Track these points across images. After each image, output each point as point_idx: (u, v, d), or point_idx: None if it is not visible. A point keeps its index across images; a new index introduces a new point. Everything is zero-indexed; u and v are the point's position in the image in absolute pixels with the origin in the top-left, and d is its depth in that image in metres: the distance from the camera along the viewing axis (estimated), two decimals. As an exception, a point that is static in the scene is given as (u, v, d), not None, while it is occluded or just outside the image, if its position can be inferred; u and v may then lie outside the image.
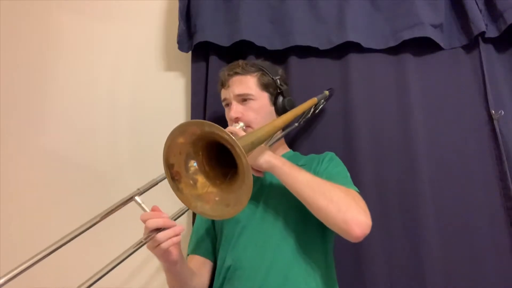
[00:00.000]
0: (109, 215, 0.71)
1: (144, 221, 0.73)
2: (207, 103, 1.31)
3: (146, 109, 1.44)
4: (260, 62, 1.10)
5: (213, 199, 0.72)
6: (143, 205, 0.74)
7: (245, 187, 0.66)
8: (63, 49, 1.49)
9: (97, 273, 0.61)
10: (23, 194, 1.36)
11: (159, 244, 0.73)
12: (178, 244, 0.78)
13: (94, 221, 0.68)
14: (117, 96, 1.45)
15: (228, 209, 0.70)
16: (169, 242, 0.73)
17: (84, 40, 1.50)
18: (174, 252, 0.77)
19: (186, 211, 0.74)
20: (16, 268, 0.55)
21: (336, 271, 0.99)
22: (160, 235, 0.72)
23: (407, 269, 1.18)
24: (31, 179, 1.37)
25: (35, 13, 1.51)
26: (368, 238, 1.12)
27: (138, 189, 0.76)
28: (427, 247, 1.17)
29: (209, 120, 1.27)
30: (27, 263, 0.56)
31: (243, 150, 0.63)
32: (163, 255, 0.76)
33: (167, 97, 1.45)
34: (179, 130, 0.68)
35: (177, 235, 0.74)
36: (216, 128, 0.65)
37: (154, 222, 0.72)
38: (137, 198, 0.75)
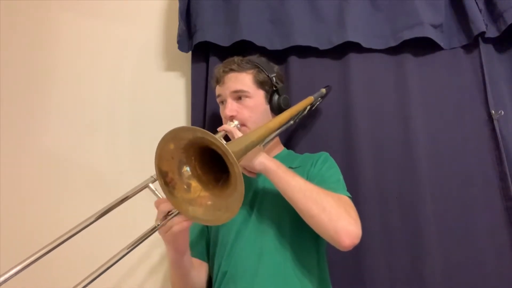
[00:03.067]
0: (123, 202, 0.72)
1: (158, 206, 0.74)
2: (207, 103, 1.31)
3: (146, 109, 1.44)
4: (255, 58, 1.08)
5: (205, 203, 0.72)
6: (157, 192, 0.75)
7: (237, 195, 0.65)
8: (63, 48, 1.49)
9: (112, 257, 0.64)
10: (23, 194, 1.36)
11: (170, 228, 0.74)
12: (186, 235, 0.81)
13: (107, 208, 0.70)
14: (117, 96, 1.45)
15: (220, 213, 0.69)
16: (181, 225, 0.74)
17: (84, 40, 1.50)
18: (184, 240, 0.81)
19: (175, 215, 0.74)
20: (24, 261, 0.56)
21: (337, 272, 0.99)
22: (176, 218, 0.73)
23: (407, 270, 1.17)
24: (31, 179, 1.37)
25: (35, 13, 1.51)
26: (368, 238, 1.13)
27: (152, 176, 0.76)
28: (427, 247, 1.17)
29: (209, 120, 1.29)
30: (39, 253, 0.58)
31: (235, 158, 0.62)
32: (174, 241, 0.79)
33: (167, 97, 1.45)
34: (170, 136, 0.67)
35: (187, 220, 0.75)
36: (208, 135, 0.64)
37: (168, 205, 0.73)
38: (151, 185, 0.76)
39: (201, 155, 0.73)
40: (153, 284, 1.31)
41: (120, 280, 1.28)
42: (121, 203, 0.72)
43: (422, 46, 1.32)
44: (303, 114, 1.18)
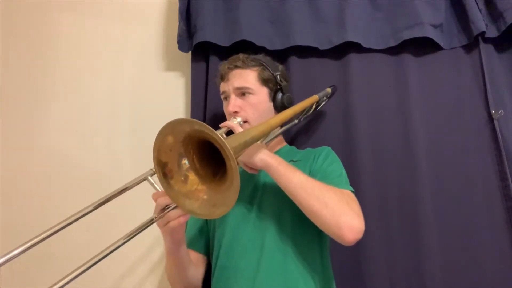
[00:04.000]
0: (122, 193, 0.73)
1: (156, 199, 0.75)
2: (207, 103, 1.31)
3: (146, 109, 1.44)
4: (261, 57, 1.08)
5: (201, 197, 0.71)
6: (155, 184, 0.75)
7: (232, 190, 0.65)
8: (63, 49, 1.49)
9: (107, 247, 0.65)
10: (23, 193, 1.36)
11: (168, 222, 0.75)
12: (183, 227, 0.81)
13: (105, 198, 0.71)
14: (117, 96, 1.45)
15: (214, 209, 0.69)
16: (180, 219, 0.75)
17: (84, 40, 1.50)
18: (181, 231, 0.82)
19: (172, 208, 0.75)
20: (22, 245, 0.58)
21: (336, 271, 0.99)
22: (173, 212, 0.74)
23: (407, 269, 1.17)
24: (31, 178, 1.37)
25: (34, 13, 1.51)
26: (368, 238, 1.13)
27: (151, 169, 0.76)
28: (427, 247, 1.17)
29: (209, 120, 1.29)
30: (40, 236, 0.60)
31: (232, 152, 0.62)
32: (171, 233, 0.80)
33: (167, 97, 1.45)
34: (169, 128, 0.67)
35: (184, 215, 0.75)
36: (206, 128, 0.64)
37: (166, 199, 0.74)
38: (150, 178, 0.76)
39: (199, 149, 0.73)
40: (152, 283, 1.31)
41: (120, 279, 1.28)
42: (120, 194, 0.72)
43: (422, 46, 1.32)
44: (308, 113, 1.17)
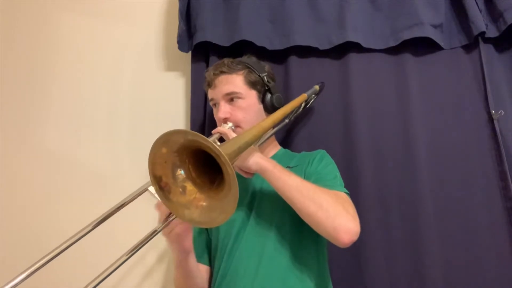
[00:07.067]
0: (123, 207, 0.72)
1: (159, 209, 0.77)
2: (207, 103, 1.31)
3: (146, 109, 1.44)
4: (245, 59, 1.08)
5: (201, 205, 0.71)
6: (156, 194, 0.74)
7: (231, 196, 0.65)
8: (63, 49, 1.49)
9: (115, 262, 0.65)
10: (23, 194, 1.36)
11: (173, 229, 0.77)
12: (190, 234, 0.83)
13: (108, 213, 0.69)
14: (117, 96, 1.45)
15: (215, 215, 0.69)
16: (183, 226, 0.77)
17: (84, 40, 1.50)
18: (188, 239, 0.83)
19: (172, 219, 0.74)
20: (25, 271, 0.56)
21: (336, 271, 0.99)
22: (176, 220, 0.75)
23: (407, 269, 1.17)
24: (30, 179, 1.37)
25: (35, 13, 1.51)
26: (368, 238, 1.13)
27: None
28: (427, 247, 1.17)
29: (209, 120, 1.29)
30: (39, 263, 0.57)
31: (227, 159, 0.62)
32: (178, 241, 0.81)
33: (167, 97, 1.45)
34: (162, 140, 0.66)
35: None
36: (200, 137, 0.64)
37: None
38: (150, 188, 0.75)
39: (195, 158, 0.73)
40: (151, 285, 1.30)
41: (118, 281, 1.28)
42: (121, 209, 0.71)
43: (422, 46, 1.32)
44: (298, 112, 1.17)
